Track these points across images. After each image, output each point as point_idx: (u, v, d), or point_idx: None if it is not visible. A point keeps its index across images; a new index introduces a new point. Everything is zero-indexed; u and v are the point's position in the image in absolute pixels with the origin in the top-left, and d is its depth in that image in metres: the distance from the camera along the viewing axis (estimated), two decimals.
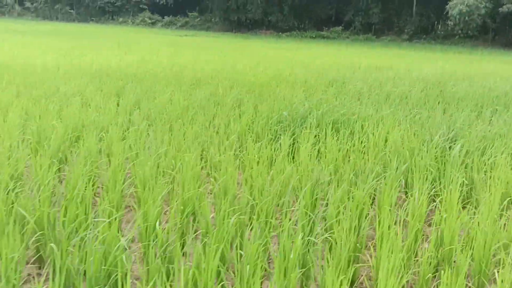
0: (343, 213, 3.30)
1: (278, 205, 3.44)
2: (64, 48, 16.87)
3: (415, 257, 3.06)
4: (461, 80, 11.82)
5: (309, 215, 3.29)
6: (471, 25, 29.08)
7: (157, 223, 2.93)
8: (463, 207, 4.15)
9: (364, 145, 5.45)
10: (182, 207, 3.26)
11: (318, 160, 4.84)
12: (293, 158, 4.75)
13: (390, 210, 3.36)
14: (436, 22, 43.05)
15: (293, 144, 5.21)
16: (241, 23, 47.79)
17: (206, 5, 53.60)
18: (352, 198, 3.50)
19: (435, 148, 4.97)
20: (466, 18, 28.09)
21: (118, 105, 6.77)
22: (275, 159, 4.47)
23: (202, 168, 4.35)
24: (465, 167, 4.59)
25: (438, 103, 8.69)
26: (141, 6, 59.27)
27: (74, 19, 62.52)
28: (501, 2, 29.85)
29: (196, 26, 53.12)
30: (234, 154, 4.71)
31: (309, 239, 2.95)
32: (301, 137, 5.13)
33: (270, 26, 47.57)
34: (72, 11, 63.35)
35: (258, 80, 9.90)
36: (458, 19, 29.07)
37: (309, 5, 47.07)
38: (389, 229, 2.97)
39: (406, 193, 4.33)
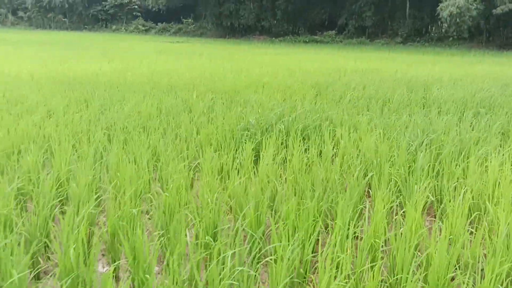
0: (292, 231, 2.99)
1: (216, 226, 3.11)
2: (46, 57, 16.59)
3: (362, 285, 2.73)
4: (447, 82, 11.53)
5: (253, 235, 2.98)
6: (463, 27, 28.83)
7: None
8: (430, 218, 3.85)
9: (335, 152, 5.16)
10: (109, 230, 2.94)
11: (283, 169, 4.54)
12: (256, 168, 4.45)
13: (344, 226, 3.05)
14: (429, 24, 42.90)
15: (257, 153, 4.91)
16: (234, 28, 47.58)
17: (200, 12, 53.41)
18: (304, 213, 3.18)
19: (407, 155, 4.67)
20: (457, 20, 27.83)
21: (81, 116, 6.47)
22: (234, 170, 4.16)
23: (150, 180, 4.04)
24: (437, 175, 4.29)
25: (423, 106, 8.42)
26: (134, 13, 59.15)
27: (68, 27, 62.35)
28: (495, 4, 29.64)
29: (189, 33, 52.91)
30: (189, 165, 4.41)
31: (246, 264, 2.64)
32: (264, 146, 4.82)
33: (263, 32, 47.38)
34: (65, 19, 63.18)
35: (237, 86, 9.61)
36: (449, 21, 28.81)
37: (303, 10, 46.87)
38: (337, 250, 2.66)
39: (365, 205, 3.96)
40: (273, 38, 45.33)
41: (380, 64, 17.76)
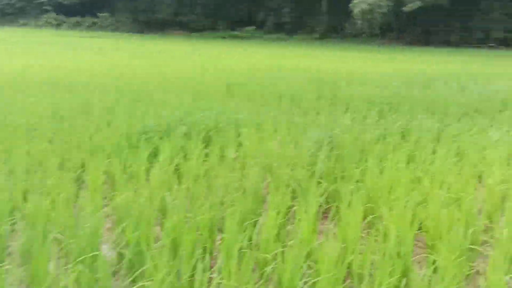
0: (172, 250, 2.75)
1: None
2: None
3: None
4: (357, 80, 11.77)
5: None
6: (374, 23, 29.97)
7: None
8: (326, 224, 3.75)
9: (238, 156, 4.98)
10: None
11: (179, 177, 4.28)
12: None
13: (233, 239, 2.85)
14: (344, 21, 44.24)
15: (153, 159, 4.62)
16: (151, 23, 46.43)
17: (117, 6, 51.52)
18: (190, 227, 2.95)
19: (308, 157, 4.58)
20: (368, 16, 28.88)
21: None
22: (123, 178, 3.84)
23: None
24: (335, 177, 4.22)
25: (331, 104, 8.48)
26: (44, 7, 55.91)
27: None
28: (404, 1, 30.96)
29: (104, 27, 50.93)
30: (75, 175, 4.04)
31: None
32: (161, 151, 4.54)
33: (182, 27, 46.61)
34: None
35: (145, 85, 9.20)
36: (361, 17, 29.86)
37: (222, 5, 46.66)
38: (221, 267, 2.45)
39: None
40: (192, 33, 44.74)
41: (295, 60, 17.92)
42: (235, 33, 44.33)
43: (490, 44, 32.85)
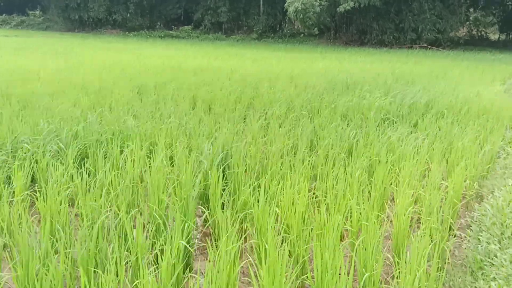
0: None
1: None
2: None
3: None
4: (284, 80, 11.26)
5: None
6: (308, 23, 29.74)
7: None
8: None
9: (118, 173, 4.25)
10: None
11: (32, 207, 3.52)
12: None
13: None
14: (282, 21, 44.07)
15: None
16: (84, 22, 44.42)
17: (46, 3, 49.00)
18: None
19: (192, 178, 3.93)
20: (302, 15, 28.62)
21: None
22: None
23: None
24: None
25: (248, 108, 7.89)
26: None
27: None
28: (339, 1, 30.94)
29: (34, 26, 48.33)
30: None
31: None
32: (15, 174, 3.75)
33: (116, 25, 44.90)
34: None
35: (39, 89, 8.25)
36: (294, 16, 29.59)
37: (158, 4, 45.34)
38: None
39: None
40: (127, 32, 43.15)
41: (225, 61, 17.27)
42: (172, 32, 43.13)
43: (422, 45, 33.51)
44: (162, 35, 42.20)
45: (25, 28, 47.43)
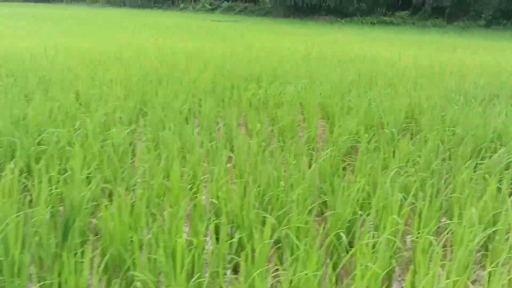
0: None
1: None
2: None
3: None
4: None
5: None
6: None
7: None
8: None
9: None
10: None
11: None
12: None
13: None
14: None
15: None
16: (298, 8, 44.40)
17: None
18: None
19: None
20: None
21: None
22: None
23: None
24: None
25: None
26: None
27: (140, 5, 62.25)
28: None
29: (254, 12, 50.41)
30: None
31: None
32: None
33: (330, 11, 43.76)
34: None
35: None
36: None
37: None
38: None
39: None
40: (339, 18, 41.69)
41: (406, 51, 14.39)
42: (386, 18, 40.15)
43: None
44: (375, 22, 39.59)
45: (247, 14, 49.73)
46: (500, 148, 4.57)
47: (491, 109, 6.25)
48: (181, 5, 58.32)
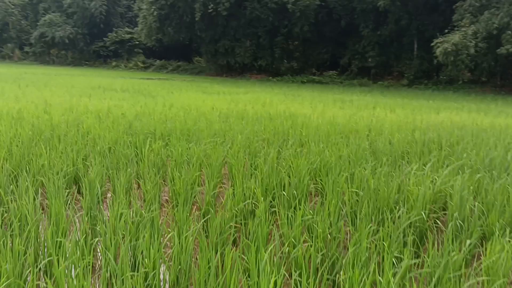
0: None
1: None
2: None
3: None
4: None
5: None
6: (460, 66, 25.27)
7: None
8: None
9: None
10: None
11: None
12: None
13: None
14: (439, 65, 39.62)
15: None
16: (231, 67, 45.09)
17: (203, 50, 51.06)
18: None
19: None
20: (453, 58, 24.36)
21: None
22: None
23: None
24: None
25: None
26: (135, 50, 57.51)
27: (69, 63, 61.16)
28: (499, 43, 25.92)
29: (187, 70, 50.73)
30: None
31: None
32: None
33: (262, 70, 44.72)
34: (67, 54, 62.12)
35: None
36: (443, 59, 25.36)
37: (304, 49, 44.34)
38: None
39: None
40: (270, 77, 42.61)
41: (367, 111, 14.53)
42: (315, 77, 41.44)
43: None
44: (305, 80, 40.73)
45: (180, 73, 49.83)
46: (401, 209, 4.26)
47: (398, 168, 6.04)
48: (113, 63, 57.82)
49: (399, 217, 4.15)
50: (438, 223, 4.52)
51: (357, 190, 4.79)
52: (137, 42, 56.06)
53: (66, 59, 62.17)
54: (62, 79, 27.91)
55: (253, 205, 4.71)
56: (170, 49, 53.25)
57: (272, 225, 4.16)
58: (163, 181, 5.95)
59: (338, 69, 43.31)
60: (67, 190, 4.93)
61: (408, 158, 6.89)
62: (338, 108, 15.32)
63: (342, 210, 4.44)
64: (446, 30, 29.01)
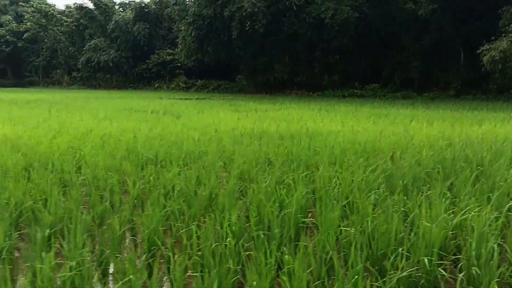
0: None
1: None
2: None
3: None
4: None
5: None
6: (509, 74, 23.52)
7: None
8: None
9: None
10: None
11: None
12: None
13: None
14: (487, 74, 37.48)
15: None
16: (270, 84, 44.50)
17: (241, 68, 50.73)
18: None
19: None
20: (500, 66, 22.70)
21: None
22: None
23: None
24: None
25: None
26: (177, 71, 58.03)
27: (114, 86, 62.54)
28: None
29: (228, 89, 50.57)
30: None
31: None
32: None
33: (302, 86, 43.85)
34: (112, 78, 63.64)
35: None
36: (491, 67, 23.71)
37: (344, 63, 43.20)
38: None
39: None
40: (311, 92, 41.69)
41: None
42: (356, 91, 40.20)
43: None
44: (346, 94, 39.58)
45: (221, 92, 49.64)
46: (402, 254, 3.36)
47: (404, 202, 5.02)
48: (156, 85, 58.62)
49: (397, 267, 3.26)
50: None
51: (348, 229, 3.93)
52: (178, 63, 56.51)
53: (111, 82, 63.65)
54: (99, 102, 28.12)
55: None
56: (211, 68, 53.27)
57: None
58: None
59: (381, 81, 41.85)
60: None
61: (430, 181, 5.90)
62: (371, 123, 14.30)
63: (327, 255, 3.58)
64: (493, 37, 27.39)
